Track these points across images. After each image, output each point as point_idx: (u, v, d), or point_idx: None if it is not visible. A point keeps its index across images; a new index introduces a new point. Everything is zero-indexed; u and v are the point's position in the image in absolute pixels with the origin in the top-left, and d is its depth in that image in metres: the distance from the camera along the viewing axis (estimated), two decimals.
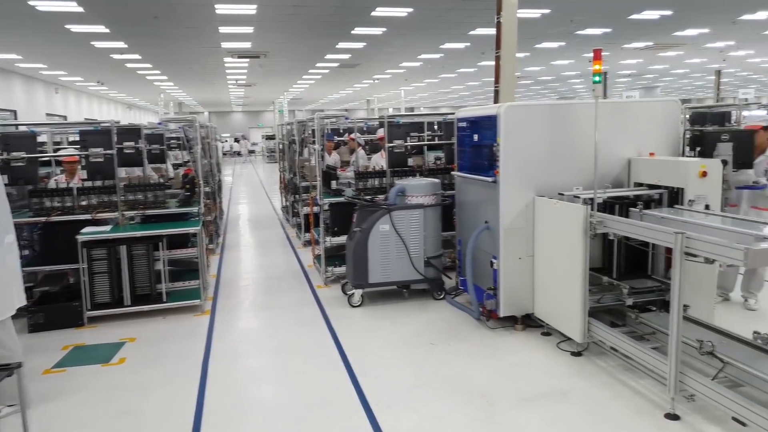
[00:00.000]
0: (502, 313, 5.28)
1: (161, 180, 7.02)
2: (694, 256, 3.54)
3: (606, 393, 4.08)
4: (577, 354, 4.69)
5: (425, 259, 6.18)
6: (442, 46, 18.49)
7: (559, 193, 4.95)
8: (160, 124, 8.36)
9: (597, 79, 4.42)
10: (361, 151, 9.27)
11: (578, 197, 4.73)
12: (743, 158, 5.31)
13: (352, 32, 15.30)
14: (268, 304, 6.58)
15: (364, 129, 11.43)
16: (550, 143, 5.16)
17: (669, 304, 3.94)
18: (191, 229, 6.26)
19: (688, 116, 8.49)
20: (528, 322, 5.32)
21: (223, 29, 14.17)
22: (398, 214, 6.09)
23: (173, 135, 10.60)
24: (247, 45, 16.60)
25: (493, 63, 7.60)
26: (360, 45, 17.38)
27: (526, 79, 29.85)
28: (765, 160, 5.65)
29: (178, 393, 4.33)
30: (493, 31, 7.48)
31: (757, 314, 5.51)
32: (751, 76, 32.01)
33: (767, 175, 5.60)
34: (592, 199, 4.45)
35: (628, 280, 4.69)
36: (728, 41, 19.73)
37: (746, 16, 15.34)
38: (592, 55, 4.40)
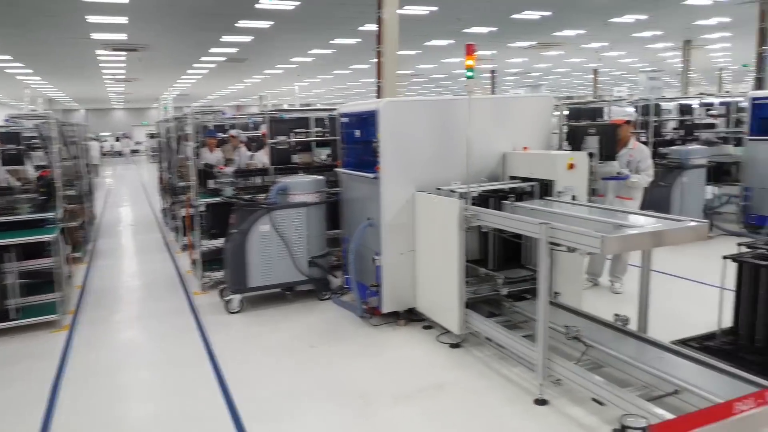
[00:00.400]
0: (384, 310, 5.21)
1: (18, 183, 6.26)
2: (559, 245, 3.62)
3: (482, 383, 4.11)
4: (456, 346, 4.70)
5: (309, 259, 5.98)
6: (332, 42, 18.33)
7: (437, 188, 4.95)
8: (7, 121, 7.48)
9: (469, 74, 4.45)
10: (243, 149, 8.89)
11: (455, 191, 4.74)
12: (608, 151, 5.58)
13: (237, 25, 14.74)
14: (137, 315, 6.09)
15: (250, 125, 10.99)
16: (430, 139, 5.15)
17: None
18: (45, 237, 5.61)
19: (566, 112, 8.95)
20: (411, 316, 5.28)
21: (91, 18, 13.06)
22: (279, 214, 5.84)
23: (36, 134, 9.60)
24: (122, 37, 15.47)
25: None
26: (247, 39, 16.80)
27: (419, 76, 30.46)
28: (628, 153, 5.99)
29: (19, 421, 3.84)
30: None
31: (622, 297, 5.83)
32: (624, 75, 34.78)
33: (630, 167, 5.95)
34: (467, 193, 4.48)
35: (504, 270, 4.78)
36: (603, 42, 21.28)
37: (615, 19, 16.59)
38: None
